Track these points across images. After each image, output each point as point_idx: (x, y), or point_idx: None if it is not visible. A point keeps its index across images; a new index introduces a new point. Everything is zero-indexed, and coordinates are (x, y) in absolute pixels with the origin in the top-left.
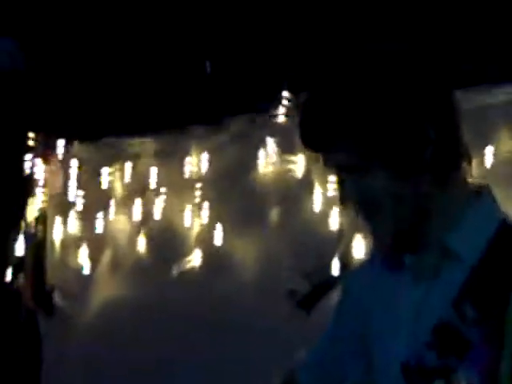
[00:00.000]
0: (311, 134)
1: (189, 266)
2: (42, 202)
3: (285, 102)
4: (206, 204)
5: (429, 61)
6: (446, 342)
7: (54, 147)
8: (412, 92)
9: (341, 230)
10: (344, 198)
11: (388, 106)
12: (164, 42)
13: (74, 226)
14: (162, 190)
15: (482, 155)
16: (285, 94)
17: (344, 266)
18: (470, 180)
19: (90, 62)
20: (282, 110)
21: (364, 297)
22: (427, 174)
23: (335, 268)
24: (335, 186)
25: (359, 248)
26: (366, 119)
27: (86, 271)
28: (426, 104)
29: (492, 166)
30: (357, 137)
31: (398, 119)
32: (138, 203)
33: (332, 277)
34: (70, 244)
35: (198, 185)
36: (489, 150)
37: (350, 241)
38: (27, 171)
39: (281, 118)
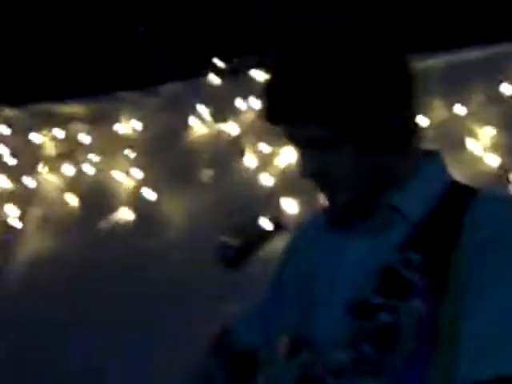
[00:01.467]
0: (279, 108)
1: (119, 222)
2: None
3: (216, 68)
4: (137, 164)
5: (388, 31)
6: (389, 284)
7: None
8: (382, 65)
9: (272, 190)
10: (304, 171)
11: (359, 77)
12: (97, 6)
13: (4, 182)
14: (94, 151)
15: None
16: (217, 60)
17: (275, 223)
18: (420, 145)
19: (20, 26)
20: (213, 76)
21: (307, 255)
22: (391, 147)
23: (266, 225)
24: (266, 147)
25: (290, 206)
26: (337, 93)
27: (16, 224)
28: (395, 78)
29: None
30: (327, 110)
31: (369, 91)
32: (68, 163)
33: (263, 233)
34: (1, 200)
35: (129, 147)
36: (422, 118)
37: (281, 199)
38: None
39: (212, 83)
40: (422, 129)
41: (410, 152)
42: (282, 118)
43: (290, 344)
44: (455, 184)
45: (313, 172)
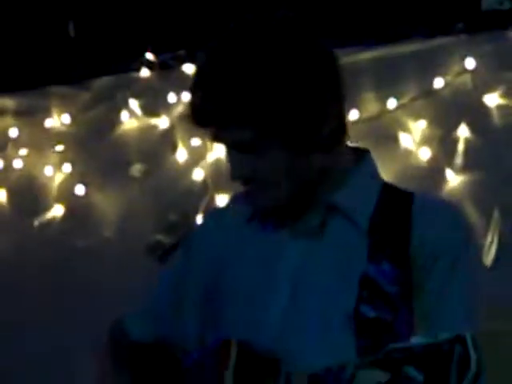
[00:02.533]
0: (200, 110)
1: (50, 218)
2: None
3: (147, 61)
4: (67, 159)
5: (318, 26)
6: (376, 296)
7: None
8: (309, 66)
9: (205, 184)
10: (233, 176)
11: (285, 81)
12: (28, 1)
13: None
14: (23, 146)
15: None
16: (147, 54)
17: None
18: (349, 143)
19: None
20: (144, 70)
21: (222, 239)
22: (322, 147)
23: (199, 221)
24: (198, 142)
25: (223, 201)
26: (263, 95)
27: None
28: (324, 80)
29: (357, 124)
30: (253, 114)
31: (296, 95)
32: None
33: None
34: None
35: (60, 141)
36: (353, 112)
37: (214, 194)
38: None
39: (143, 77)
40: (350, 125)
41: (342, 150)
42: (202, 120)
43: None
44: (389, 186)
45: (239, 175)
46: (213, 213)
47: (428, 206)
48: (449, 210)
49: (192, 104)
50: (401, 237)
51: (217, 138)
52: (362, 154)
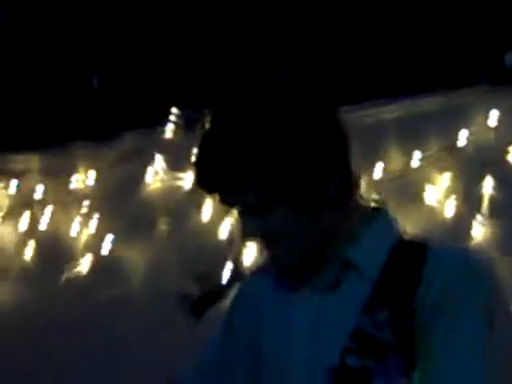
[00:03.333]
0: (207, 177)
1: (76, 273)
2: None
3: (173, 118)
4: (93, 215)
5: (321, 90)
6: (365, 346)
7: None
8: (310, 128)
9: (230, 240)
10: (244, 234)
11: (286, 145)
12: (51, 57)
13: None
14: (49, 203)
15: (372, 171)
16: (173, 110)
17: (235, 274)
18: (365, 198)
19: None
20: (170, 126)
21: (256, 307)
22: (330, 206)
23: (226, 275)
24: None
25: (250, 256)
26: (264, 159)
27: None
28: (326, 140)
29: (382, 181)
30: (254, 177)
31: (298, 158)
32: (24, 215)
33: (223, 284)
34: None
35: (86, 198)
36: (379, 166)
37: (241, 249)
38: None
39: (169, 135)
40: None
41: (354, 207)
42: (206, 186)
43: None
44: (404, 239)
45: (249, 235)
46: (247, 278)
47: (442, 253)
48: (462, 255)
49: (196, 170)
50: (407, 283)
51: (224, 202)
52: (377, 211)
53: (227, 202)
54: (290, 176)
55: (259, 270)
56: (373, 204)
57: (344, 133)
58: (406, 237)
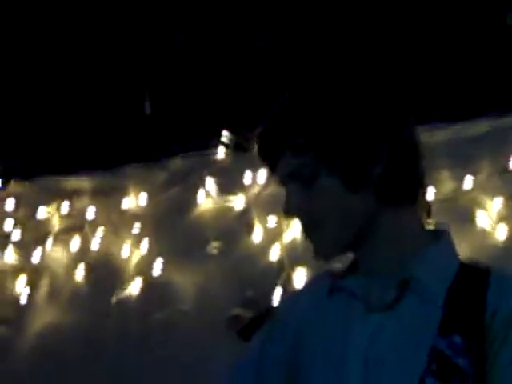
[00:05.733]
0: (268, 136)
1: (127, 296)
2: None
3: (224, 141)
4: (144, 238)
5: (393, 85)
6: (445, 369)
7: None
8: (374, 107)
9: (281, 263)
10: (288, 209)
11: (346, 114)
12: (101, 79)
13: (11, 257)
14: (100, 224)
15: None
16: (224, 133)
17: (285, 296)
18: (426, 220)
19: (24, 101)
20: (221, 149)
21: (299, 323)
22: (374, 192)
23: (276, 298)
24: (274, 221)
25: (300, 279)
26: (321, 122)
27: (23, 301)
28: (386, 123)
29: (433, 205)
30: (307, 139)
31: (355, 129)
32: (75, 237)
33: (273, 306)
34: (8, 275)
35: (137, 220)
36: (430, 191)
37: (291, 272)
38: None
39: (220, 158)
40: (427, 199)
41: (407, 213)
42: (265, 147)
43: None
44: (467, 263)
45: (292, 208)
46: (292, 293)
47: (505, 278)
48: None
49: (259, 133)
50: (475, 309)
51: (276, 172)
52: (441, 232)
53: (279, 168)
54: (341, 142)
55: (306, 286)
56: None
57: (410, 130)
58: (466, 261)
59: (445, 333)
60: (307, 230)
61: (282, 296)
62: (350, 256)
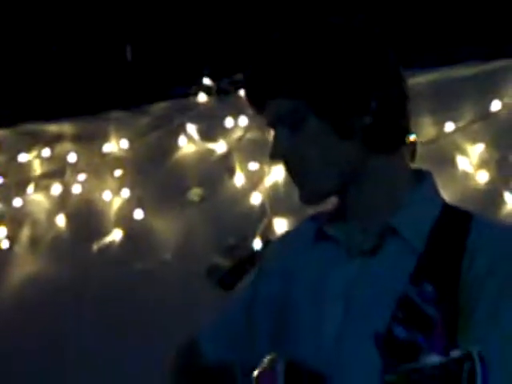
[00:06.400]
0: (256, 80)
1: (108, 242)
2: None
3: (206, 86)
4: (126, 183)
5: (382, 33)
6: (412, 317)
7: None
8: (363, 56)
9: (263, 208)
10: (275, 153)
11: (336, 61)
12: (83, 25)
13: None
14: (82, 171)
15: None
16: (205, 79)
17: (265, 245)
18: (410, 164)
19: (4, 47)
20: (203, 94)
21: (287, 266)
22: (362, 140)
23: (257, 245)
24: (256, 166)
25: (281, 225)
26: (311, 67)
27: (5, 246)
28: (376, 74)
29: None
30: (299, 83)
31: (344, 76)
32: (56, 183)
33: (254, 253)
34: None
35: (118, 166)
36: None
37: (272, 218)
38: None
39: (202, 103)
40: (413, 144)
41: (392, 161)
42: (254, 90)
43: (297, 375)
44: (449, 207)
45: (279, 152)
46: (281, 236)
47: (487, 225)
48: (507, 234)
49: (247, 77)
50: (452, 257)
51: (264, 113)
52: (423, 175)
53: (270, 115)
54: (331, 86)
55: (292, 233)
56: (419, 169)
57: (400, 80)
58: (449, 203)
59: (416, 281)
60: (293, 174)
61: (264, 243)
62: (334, 201)
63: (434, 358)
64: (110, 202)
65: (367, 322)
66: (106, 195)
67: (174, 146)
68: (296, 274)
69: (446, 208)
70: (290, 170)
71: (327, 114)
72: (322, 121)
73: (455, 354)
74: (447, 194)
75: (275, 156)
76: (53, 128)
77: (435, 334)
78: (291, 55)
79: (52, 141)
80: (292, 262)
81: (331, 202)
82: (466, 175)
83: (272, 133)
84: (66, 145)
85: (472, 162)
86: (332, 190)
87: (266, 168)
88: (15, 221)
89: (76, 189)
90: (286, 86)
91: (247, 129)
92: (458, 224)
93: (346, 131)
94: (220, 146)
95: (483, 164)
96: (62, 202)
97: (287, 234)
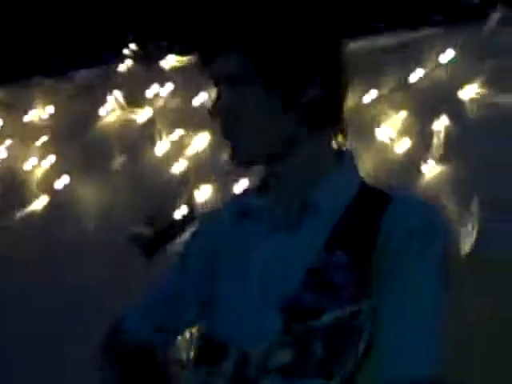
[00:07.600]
0: (207, 29)
1: (32, 210)
2: None
3: (130, 53)
4: (50, 151)
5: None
6: (319, 283)
7: None
8: (316, 29)
9: (185, 177)
10: (216, 107)
11: (288, 29)
12: None
13: None
14: (6, 137)
15: None
16: (130, 46)
17: (187, 214)
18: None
19: None
20: (127, 62)
21: (214, 241)
22: (302, 115)
23: (179, 214)
24: (178, 135)
25: (203, 194)
26: (262, 26)
27: None
28: (325, 49)
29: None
30: (247, 39)
31: (296, 46)
32: None
33: (175, 222)
34: None
35: (42, 133)
36: None
37: (194, 187)
38: None
39: (126, 70)
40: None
41: (323, 139)
42: (206, 48)
43: (208, 345)
44: (366, 186)
45: (222, 107)
46: (205, 215)
47: (403, 202)
48: (424, 207)
49: (198, 28)
50: (366, 232)
51: (213, 72)
52: (345, 155)
53: (218, 72)
54: (281, 56)
55: (217, 209)
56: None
57: (342, 61)
58: (369, 182)
59: (329, 248)
60: (229, 132)
61: (188, 210)
62: (259, 174)
63: (330, 315)
64: (34, 169)
65: (279, 296)
66: (30, 162)
67: (98, 114)
68: (221, 253)
69: (364, 187)
70: (225, 129)
71: (275, 84)
72: (270, 89)
73: (349, 309)
74: (367, 163)
75: (213, 113)
76: None
77: (341, 298)
78: (243, 12)
79: None
80: (216, 240)
81: (255, 178)
82: (385, 144)
83: (215, 90)
84: None
85: (393, 131)
86: (261, 157)
87: (188, 137)
88: None
89: (0, 155)
90: (234, 41)
91: (171, 96)
92: (373, 204)
93: (290, 104)
94: (144, 114)
95: (404, 133)
96: None
97: (211, 213)
